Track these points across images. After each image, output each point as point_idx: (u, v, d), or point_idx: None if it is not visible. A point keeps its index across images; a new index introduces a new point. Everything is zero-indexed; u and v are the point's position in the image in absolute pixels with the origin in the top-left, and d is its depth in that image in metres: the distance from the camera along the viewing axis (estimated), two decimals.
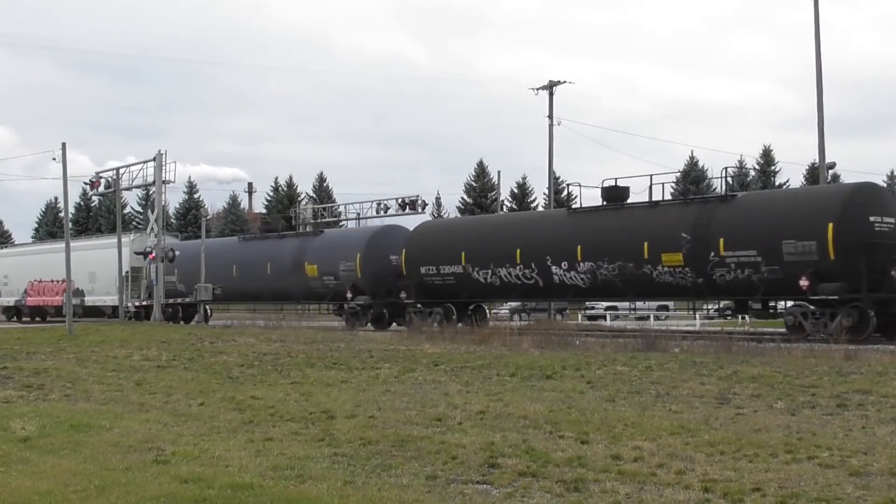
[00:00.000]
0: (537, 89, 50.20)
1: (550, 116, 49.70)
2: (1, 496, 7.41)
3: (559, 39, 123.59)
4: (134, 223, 77.19)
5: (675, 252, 25.21)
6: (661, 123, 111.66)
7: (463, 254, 30.20)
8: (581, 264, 27.10)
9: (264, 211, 76.00)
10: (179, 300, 40.01)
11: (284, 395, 13.01)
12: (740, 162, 67.17)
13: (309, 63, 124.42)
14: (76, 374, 16.18)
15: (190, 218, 73.17)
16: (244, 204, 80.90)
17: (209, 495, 7.25)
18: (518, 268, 28.72)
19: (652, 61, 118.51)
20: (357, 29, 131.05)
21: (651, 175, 27.28)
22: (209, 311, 41.10)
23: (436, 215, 69.00)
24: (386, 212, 38.52)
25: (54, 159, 32.09)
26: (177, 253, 39.81)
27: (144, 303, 40.22)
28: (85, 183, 48.10)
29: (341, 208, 41.70)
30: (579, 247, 27.19)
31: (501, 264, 29.13)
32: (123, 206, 55.22)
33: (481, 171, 74.79)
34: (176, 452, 8.97)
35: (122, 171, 41.03)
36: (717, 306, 28.84)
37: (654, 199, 26.91)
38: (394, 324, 32.96)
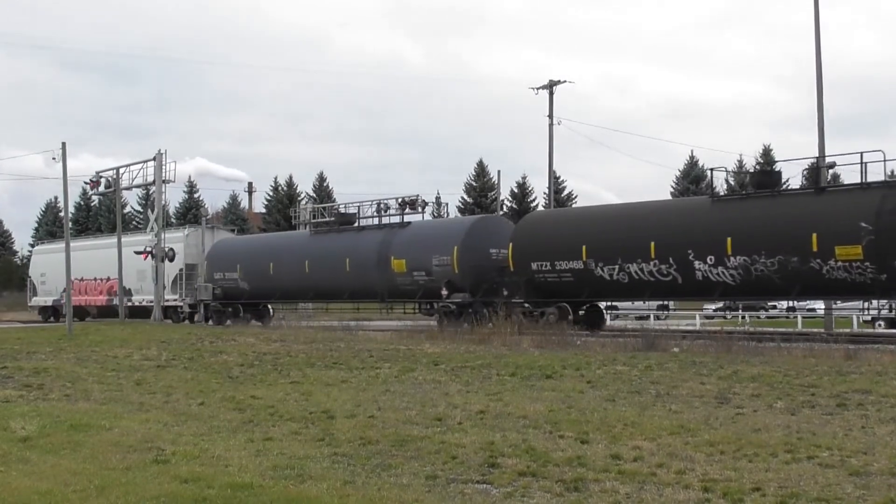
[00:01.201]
0: (537, 89, 50.18)
1: (550, 116, 49.68)
2: (1, 496, 7.41)
3: (555, 39, 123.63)
4: (134, 223, 77.24)
5: (852, 244, 22.12)
6: (659, 123, 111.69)
7: (584, 247, 26.88)
8: (731, 258, 24.04)
9: (264, 211, 76.02)
10: (244, 300, 37.79)
11: (284, 395, 13.01)
12: (740, 161, 67.24)
13: (306, 63, 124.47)
14: (76, 374, 16.18)
15: (190, 217, 73.09)
16: (244, 203, 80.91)
17: (209, 495, 7.25)
18: (652, 263, 25.50)
19: (647, 61, 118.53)
20: (354, 29, 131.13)
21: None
22: (271, 310, 39.29)
23: (436, 215, 68.97)
24: (386, 211, 38.51)
25: (54, 159, 32.15)
26: (200, 247, 38.29)
27: (197, 301, 38.83)
28: (85, 183, 47.54)
29: (341, 208, 41.16)
30: (729, 239, 24.11)
31: (631, 259, 25.88)
32: (123, 206, 55.19)
33: (481, 170, 74.81)
34: (176, 452, 8.97)
35: (122, 170, 41.09)
36: None
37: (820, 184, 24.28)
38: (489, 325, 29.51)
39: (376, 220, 34.86)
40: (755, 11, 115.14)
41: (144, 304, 41.18)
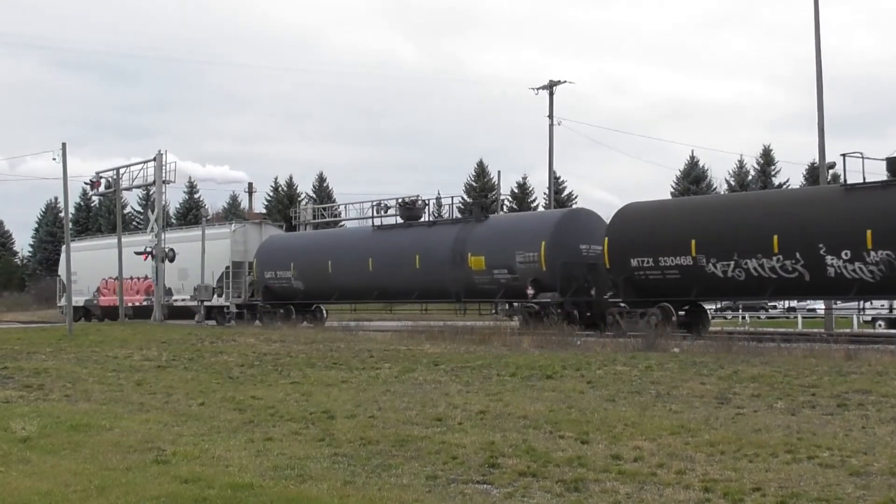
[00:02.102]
0: (537, 89, 50.19)
1: (551, 116, 49.67)
2: (1, 496, 7.42)
3: (555, 39, 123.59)
4: (134, 223, 77.25)
5: None
6: (657, 122, 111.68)
7: (693, 242, 24.39)
8: (871, 254, 21.80)
9: (264, 211, 75.99)
10: (298, 300, 35.78)
11: (284, 395, 13.01)
12: (740, 161, 67.29)
13: (305, 63, 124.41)
14: (76, 374, 16.18)
15: (190, 218, 73.13)
16: (244, 204, 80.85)
17: (209, 495, 7.26)
18: (775, 258, 23.15)
19: (646, 60, 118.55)
20: (351, 29, 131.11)
21: None
22: (324, 311, 37.31)
23: (436, 215, 68.93)
24: (386, 211, 38.49)
25: (54, 159, 32.13)
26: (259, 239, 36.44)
27: (245, 301, 37.07)
28: (85, 183, 46.97)
29: (341, 208, 41.09)
30: (869, 231, 21.87)
31: (750, 254, 23.48)
32: (123, 206, 55.19)
33: (481, 170, 74.83)
34: (176, 452, 8.98)
35: (122, 171, 41.08)
36: None
37: None
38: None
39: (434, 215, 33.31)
40: (754, 11, 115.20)
41: (188, 304, 39.21)
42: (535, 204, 72.62)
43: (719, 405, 11.33)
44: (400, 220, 34.77)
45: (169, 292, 39.71)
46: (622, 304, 25.77)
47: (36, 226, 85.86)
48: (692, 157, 68.42)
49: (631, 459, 8.30)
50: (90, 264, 43.42)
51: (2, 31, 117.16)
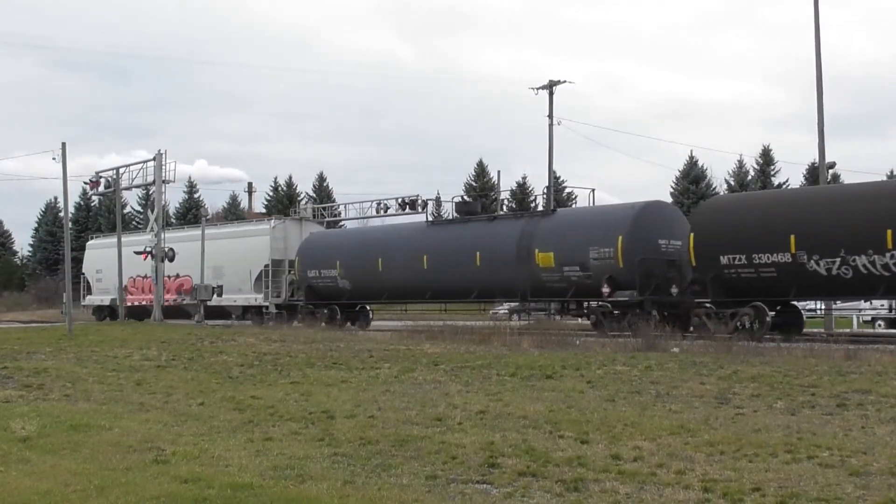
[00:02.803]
0: (537, 89, 50.15)
1: (550, 116, 49.63)
2: (1, 496, 7.42)
3: (553, 39, 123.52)
4: (134, 223, 77.24)
5: None
6: (654, 122, 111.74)
7: (792, 237, 22.56)
8: None
9: (264, 211, 76.01)
10: (344, 300, 33.97)
11: (284, 395, 13.01)
12: (740, 161, 67.28)
13: (302, 63, 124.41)
14: (76, 374, 16.18)
15: (190, 218, 73.16)
16: (244, 204, 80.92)
17: (209, 495, 7.26)
18: (888, 255, 21.33)
19: (642, 60, 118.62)
20: (350, 29, 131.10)
21: None
22: (370, 312, 35.76)
23: (436, 215, 68.99)
24: (386, 211, 38.47)
25: (54, 159, 32.14)
26: (301, 235, 35.09)
27: (285, 301, 35.54)
28: (85, 183, 46.77)
29: (341, 208, 40.85)
30: None
31: (859, 250, 21.69)
32: (123, 206, 55.18)
33: (481, 170, 74.86)
34: (176, 452, 8.98)
35: (121, 170, 41.08)
36: None
37: None
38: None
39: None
40: (753, 11, 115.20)
41: (223, 304, 37.48)
42: (534, 204, 72.60)
43: (719, 405, 11.34)
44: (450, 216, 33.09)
45: None
46: (708, 304, 24.14)
47: (36, 225, 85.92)
48: (691, 157, 68.44)
49: (631, 459, 8.31)
50: (115, 262, 41.07)
51: (1, 30, 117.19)
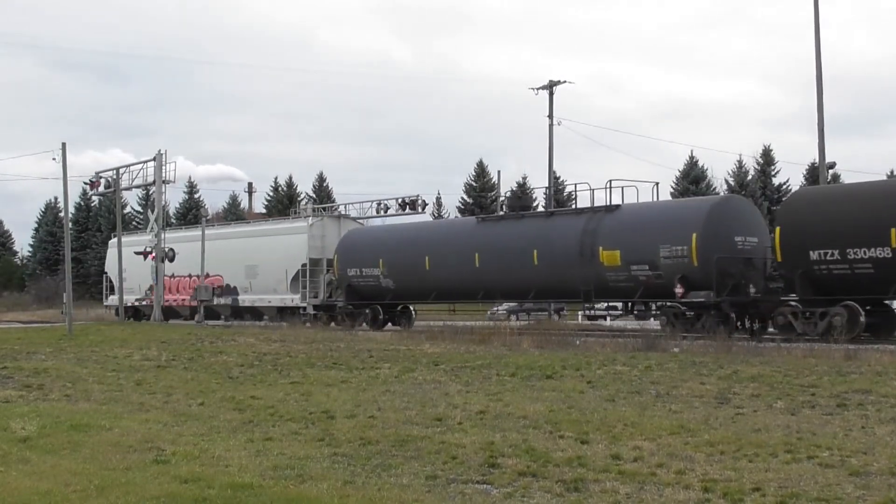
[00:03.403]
0: (537, 89, 50.13)
1: (551, 116, 49.63)
2: (1, 496, 7.42)
3: (552, 39, 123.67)
4: (134, 223, 77.23)
5: None
6: (652, 122, 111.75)
7: (893, 231, 21.03)
8: None
9: (264, 211, 76.03)
10: (388, 300, 32.42)
11: (284, 395, 13.01)
12: (739, 161, 67.25)
13: (302, 63, 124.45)
14: (76, 374, 16.18)
15: (190, 218, 73.17)
16: (244, 204, 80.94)
17: (209, 495, 7.26)
18: None
19: (641, 60, 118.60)
20: (350, 29, 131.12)
21: None
22: (413, 312, 34.30)
23: (436, 215, 69.01)
24: (386, 211, 38.41)
25: (54, 159, 32.15)
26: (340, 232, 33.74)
27: (323, 301, 34.09)
28: (85, 183, 46.70)
29: (340, 208, 40.51)
30: None
31: None
32: (123, 206, 55.18)
33: (481, 170, 74.81)
34: (176, 452, 8.98)
35: (121, 171, 41.08)
36: None
37: None
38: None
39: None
40: (751, 10, 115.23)
41: (257, 304, 36.12)
42: (535, 204, 72.55)
43: (719, 405, 11.34)
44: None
45: (235, 291, 37.09)
46: (794, 303, 22.81)
47: (36, 226, 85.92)
48: (691, 157, 68.42)
49: (631, 459, 8.31)
50: (140, 261, 39.92)
51: (0, 30, 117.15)
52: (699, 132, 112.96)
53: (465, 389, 13.25)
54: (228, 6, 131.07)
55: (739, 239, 24.70)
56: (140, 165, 40.40)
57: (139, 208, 76.89)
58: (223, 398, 12.86)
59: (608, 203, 27.23)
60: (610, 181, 27.38)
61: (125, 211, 69.61)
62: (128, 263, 40.30)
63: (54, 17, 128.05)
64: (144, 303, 40.73)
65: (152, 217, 40.81)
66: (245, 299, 36.67)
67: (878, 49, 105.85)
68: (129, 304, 41.38)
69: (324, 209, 42.47)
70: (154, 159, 39.33)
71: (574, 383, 13.52)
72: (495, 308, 42.58)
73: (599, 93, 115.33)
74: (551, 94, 49.75)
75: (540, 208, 69.34)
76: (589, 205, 28.05)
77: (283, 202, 74.46)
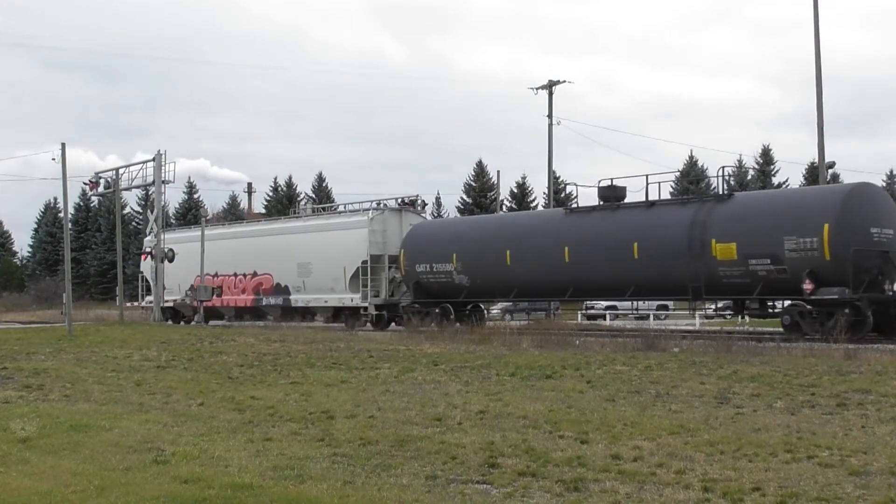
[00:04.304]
0: (537, 89, 50.18)
1: (550, 116, 49.69)
2: (1, 496, 7.42)
3: (547, 38, 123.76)
4: (134, 223, 77.23)
5: None
6: (649, 122, 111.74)
7: None
8: None
9: (264, 211, 76.05)
10: (462, 298, 30.02)
11: (284, 395, 13.01)
12: (739, 161, 67.28)
13: (301, 62, 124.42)
14: (76, 375, 16.18)
15: (190, 218, 73.18)
16: (243, 204, 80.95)
17: (209, 495, 7.26)
18: None
19: (633, 59, 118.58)
20: (345, 28, 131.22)
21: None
22: (485, 311, 32.70)
23: (436, 215, 68.99)
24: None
25: (53, 159, 32.14)
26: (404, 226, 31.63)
27: (385, 300, 31.90)
28: (84, 183, 46.53)
29: (340, 208, 40.24)
30: None
31: None
32: (123, 207, 55.18)
33: (480, 170, 74.85)
34: (176, 452, 8.98)
35: (121, 171, 41.07)
36: None
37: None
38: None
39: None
40: (746, 9, 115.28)
41: (311, 305, 33.96)
42: (534, 204, 72.62)
43: (719, 405, 11.34)
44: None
45: (286, 290, 34.82)
46: None
47: (35, 226, 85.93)
48: (691, 157, 68.49)
49: (630, 459, 8.31)
50: (183, 260, 38.05)
51: None
52: (694, 131, 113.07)
53: (465, 389, 13.25)
54: (222, 5, 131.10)
55: (875, 230, 22.67)
56: (139, 166, 40.40)
57: (139, 208, 76.90)
58: (223, 398, 12.86)
59: (719, 192, 25.36)
60: (723, 167, 25.44)
61: (125, 211, 69.64)
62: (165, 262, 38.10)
63: (47, 17, 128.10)
64: (187, 303, 38.30)
65: (152, 217, 40.81)
66: (298, 299, 34.27)
67: (872, 48, 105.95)
68: (167, 305, 38.98)
69: (323, 209, 42.28)
70: (153, 159, 39.32)
71: (574, 383, 13.52)
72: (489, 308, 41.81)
73: (594, 92, 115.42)
74: (550, 94, 49.80)
75: (540, 207, 69.65)
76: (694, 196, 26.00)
77: (283, 202, 74.49)
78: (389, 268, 32.17)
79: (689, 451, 8.56)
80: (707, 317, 38.22)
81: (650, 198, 26.45)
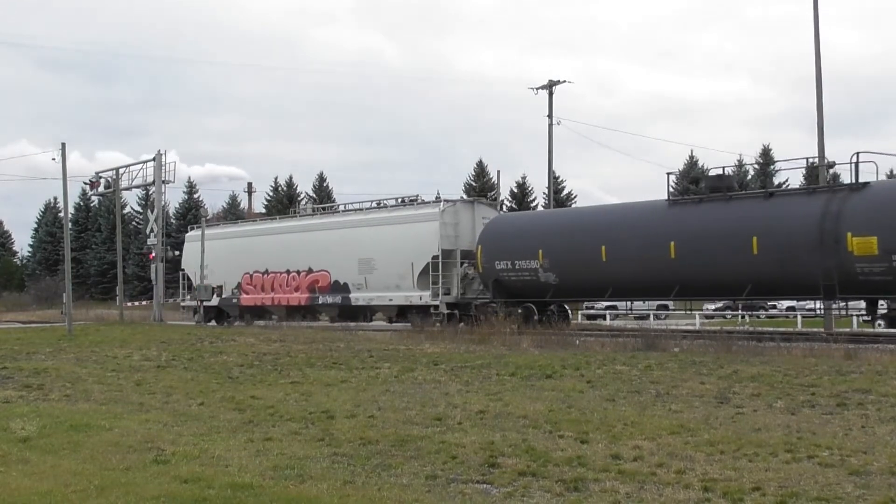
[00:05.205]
0: (537, 89, 50.12)
1: (550, 116, 49.56)
2: (1, 496, 7.42)
3: (542, 37, 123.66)
4: (134, 223, 77.23)
5: None
6: (648, 121, 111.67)
7: None
8: None
9: (264, 211, 76.05)
10: (549, 296, 27.70)
11: (284, 395, 13.01)
12: (739, 161, 67.24)
13: (289, 62, 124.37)
14: (76, 374, 16.18)
15: (190, 218, 73.17)
16: (244, 204, 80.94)
17: (209, 495, 7.26)
18: None
19: (631, 58, 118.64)
20: (344, 28, 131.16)
21: None
22: (569, 311, 30.75)
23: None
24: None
25: (53, 159, 32.17)
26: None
27: (457, 298, 29.52)
28: (84, 183, 46.60)
29: (340, 208, 40.03)
30: None
31: None
32: (123, 206, 55.20)
33: (481, 170, 74.84)
34: (176, 452, 8.98)
35: (121, 171, 41.13)
36: None
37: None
38: None
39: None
40: (742, 8, 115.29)
41: (374, 303, 31.75)
42: (534, 204, 72.60)
43: (719, 405, 11.34)
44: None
45: (345, 288, 32.37)
46: None
47: (35, 226, 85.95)
48: (691, 157, 68.43)
49: (631, 459, 8.31)
50: (227, 257, 36.38)
51: None
52: (691, 131, 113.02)
53: (465, 389, 13.25)
54: (221, 5, 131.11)
55: None
56: (140, 166, 40.46)
57: (139, 208, 76.91)
58: (223, 398, 12.86)
59: (852, 181, 22.69)
60: (857, 153, 22.86)
61: (125, 211, 69.66)
62: (208, 258, 36.68)
63: (43, 16, 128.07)
64: (234, 302, 36.41)
65: (152, 217, 40.85)
66: (359, 297, 31.83)
67: (867, 47, 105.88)
68: (212, 304, 37.22)
69: (323, 209, 42.12)
70: (154, 159, 39.36)
71: (574, 383, 13.52)
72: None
73: (592, 92, 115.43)
74: (551, 94, 49.71)
75: (540, 207, 69.67)
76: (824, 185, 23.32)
77: (283, 202, 74.48)
78: (461, 263, 30.02)
79: (689, 451, 8.56)
80: (707, 317, 38.26)
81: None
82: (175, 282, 42.43)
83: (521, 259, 27.83)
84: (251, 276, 35.76)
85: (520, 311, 27.57)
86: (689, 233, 24.50)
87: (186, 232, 45.07)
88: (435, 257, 29.44)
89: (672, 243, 24.51)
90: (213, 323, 35.75)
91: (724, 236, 23.74)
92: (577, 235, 27.14)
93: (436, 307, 29.25)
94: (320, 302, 33.43)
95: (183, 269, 39.85)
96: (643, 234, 25.41)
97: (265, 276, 35.25)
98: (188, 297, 39.10)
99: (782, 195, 24.47)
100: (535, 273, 27.59)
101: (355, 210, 34.66)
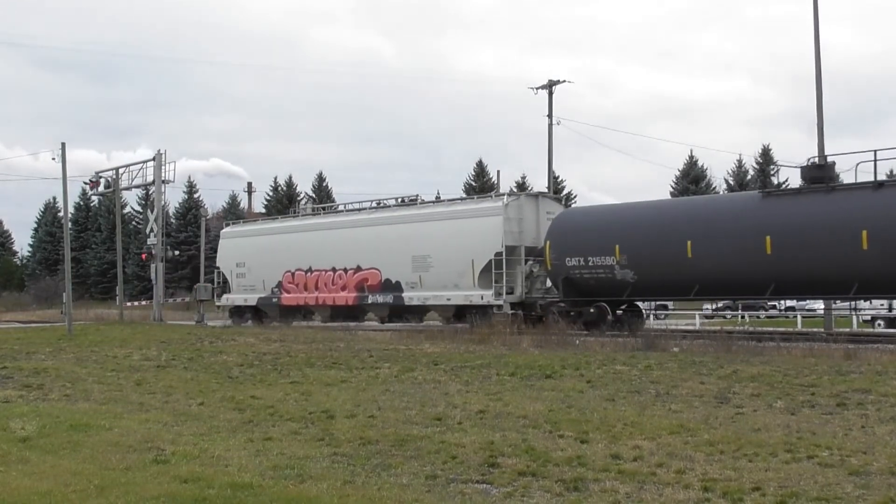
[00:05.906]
0: (537, 89, 50.11)
1: (550, 116, 49.58)
2: (1, 496, 7.41)
3: (544, 38, 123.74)
4: (134, 223, 77.21)
5: None
6: (647, 121, 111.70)
7: None
8: None
9: (264, 211, 76.04)
10: (626, 295, 25.90)
11: (284, 395, 13.01)
12: (739, 161, 67.26)
13: (288, 61, 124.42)
14: (76, 374, 16.18)
15: (190, 218, 73.15)
16: (243, 204, 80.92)
17: (209, 495, 7.26)
18: None
19: (630, 58, 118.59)
20: (344, 28, 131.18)
21: None
22: (644, 311, 28.84)
23: None
24: None
25: (53, 159, 32.17)
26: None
27: (522, 297, 27.84)
28: (84, 183, 46.56)
29: (340, 208, 39.93)
30: None
31: None
32: (123, 206, 55.18)
33: (481, 170, 74.87)
34: (176, 452, 8.98)
35: (121, 170, 41.13)
36: None
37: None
38: None
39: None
40: (740, 7, 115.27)
41: (429, 303, 29.99)
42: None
43: (719, 405, 11.34)
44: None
45: (397, 287, 30.61)
46: None
47: (35, 226, 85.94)
48: (691, 157, 68.45)
49: (630, 459, 8.31)
50: (266, 254, 35.13)
51: None
52: (691, 131, 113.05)
53: (465, 389, 13.25)
54: (221, 5, 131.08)
55: None
56: (139, 165, 40.46)
57: (139, 208, 76.90)
58: (223, 398, 12.86)
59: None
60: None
61: (125, 211, 69.64)
62: (245, 256, 35.71)
63: (42, 16, 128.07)
64: (273, 301, 34.80)
65: (152, 217, 40.85)
66: (412, 297, 30.04)
67: (865, 47, 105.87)
68: (249, 304, 35.85)
69: (323, 208, 42.02)
70: (154, 159, 39.36)
71: (574, 383, 13.52)
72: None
73: (592, 92, 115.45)
74: (551, 94, 49.71)
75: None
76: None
77: (283, 202, 74.48)
78: (526, 261, 28.19)
79: (689, 451, 8.56)
80: (707, 317, 38.21)
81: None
82: (175, 281, 42.42)
83: (595, 255, 26.06)
84: (293, 274, 34.03)
85: (592, 310, 26.13)
86: (788, 226, 22.73)
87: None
88: (498, 254, 27.61)
89: (768, 237, 22.80)
90: (249, 323, 34.55)
91: (828, 231, 21.99)
92: (658, 230, 25.23)
93: (499, 307, 27.46)
94: (370, 301, 31.69)
95: (218, 267, 38.26)
96: (735, 228, 23.70)
97: (308, 274, 33.56)
98: (226, 296, 37.43)
99: (893, 185, 22.64)
100: (610, 270, 25.80)
101: (411, 204, 32.53)
